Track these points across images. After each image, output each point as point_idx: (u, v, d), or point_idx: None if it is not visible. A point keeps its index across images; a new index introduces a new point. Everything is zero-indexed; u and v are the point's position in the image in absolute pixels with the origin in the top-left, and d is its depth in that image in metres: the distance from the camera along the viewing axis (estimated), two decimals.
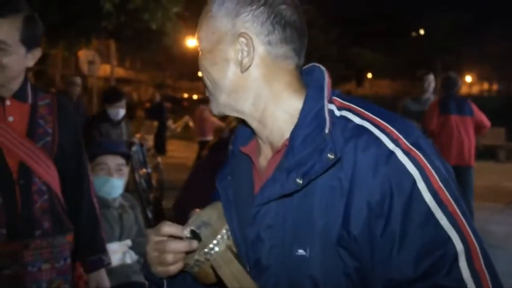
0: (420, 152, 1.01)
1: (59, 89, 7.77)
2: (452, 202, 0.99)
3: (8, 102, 1.98)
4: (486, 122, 6.15)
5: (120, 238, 3.05)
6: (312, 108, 1.08)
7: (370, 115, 1.07)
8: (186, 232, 1.15)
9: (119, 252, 3.02)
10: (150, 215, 4.88)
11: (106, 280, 2.31)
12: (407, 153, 1.00)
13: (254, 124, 1.16)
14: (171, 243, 1.13)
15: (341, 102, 1.11)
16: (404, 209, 0.98)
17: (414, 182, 0.99)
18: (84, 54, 13.68)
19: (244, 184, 1.20)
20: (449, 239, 0.97)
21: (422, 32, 29.66)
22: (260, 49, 1.11)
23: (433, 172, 1.00)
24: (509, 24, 26.29)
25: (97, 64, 13.46)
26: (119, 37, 11.18)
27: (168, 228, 1.15)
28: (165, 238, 1.15)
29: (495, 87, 35.78)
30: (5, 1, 1.92)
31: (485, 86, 36.79)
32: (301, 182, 1.03)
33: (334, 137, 1.03)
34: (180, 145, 18.22)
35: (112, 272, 2.89)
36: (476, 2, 25.47)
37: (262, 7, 1.10)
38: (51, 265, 1.98)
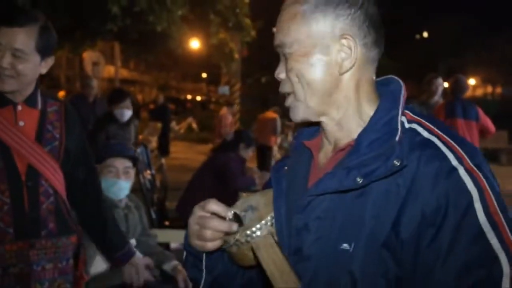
0: (481, 174, 1.05)
1: (77, 91, 7.82)
2: (505, 225, 1.02)
3: (19, 108, 2.05)
4: (491, 127, 6.18)
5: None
6: (385, 115, 1.13)
7: (439, 132, 1.11)
8: (230, 214, 1.20)
9: None
10: (154, 215, 4.94)
11: (139, 266, 2.54)
12: (469, 172, 1.04)
13: (331, 125, 1.19)
14: (213, 221, 1.18)
15: (412, 116, 1.16)
16: (457, 224, 1.01)
17: (471, 200, 1.02)
18: (88, 55, 13.75)
19: (299, 176, 1.24)
20: (496, 259, 0.99)
21: (426, 35, 29.68)
22: (359, 50, 1.14)
23: (492, 195, 1.03)
24: None
25: (102, 66, 13.55)
26: (124, 39, 11.26)
27: (214, 205, 1.19)
28: (208, 215, 1.19)
29: (498, 90, 35.81)
30: (23, 11, 2.04)
31: (489, 89, 36.81)
32: (361, 181, 1.07)
33: (402, 146, 1.08)
34: (183, 146, 18.30)
35: (117, 270, 2.96)
36: (482, 6, 25.50)
37: (359, 10, 1.13)
38: (54, 265, 2.04)
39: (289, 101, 1.19)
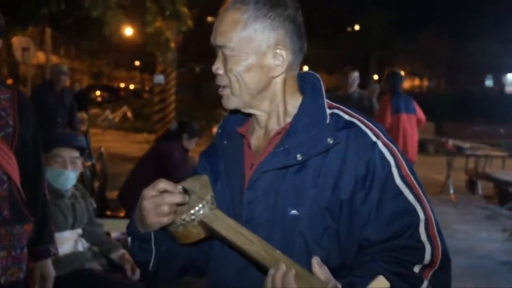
0: (393, 146, 1.34)
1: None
2: (416, 185, 1.31)
3: None
4: (423, 117, 6.63)
5: (72, 227, 3.11)
6: (312, 103, 1.36)
7: (356, 115, 1.37)
8: (179, 188, 1.32)
9: (71, 240, 3.08)
10: (94, 204, 4.89)
11: (51, 270, 2.35)
12: (385, 145, 1.32)
13: (262, 116, 1.41)
14: (168, 196, 1.28)
15: (331, 104, 1.40)
16: (381, 186, 1.28)
17: (390, 167, 1.30)
18: (18, 41, 13.14)
19: (235, 158, 1.43)
20: (414, 210, 1.28)
21: (357, 27, 30.42)
22: (289, 57, 1.35)
23: (403, 162, 1.32)
24: (441, 23, 27.35)
25: (32, 51, 12.99)
26: (57, 24, 10.91)
27: (164, 184, 1.30)
28: (159, 194, 1.29)
29: (425, 83, 37.19)
30: None
31: (416, 81, 38.17)
32: (300, 158, 1.29)
33: (331, 127, 1.31)
34: (117, 135, 17.99)
35: (65, 259, 2.96)
36: (411, 2, 26.36)
37: (292, 23, 1.34)
38: (7, 252, 2.01)
39: (224, 92, 1.37)
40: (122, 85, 39.13)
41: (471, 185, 9.51)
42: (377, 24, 27.47)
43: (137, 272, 3.11)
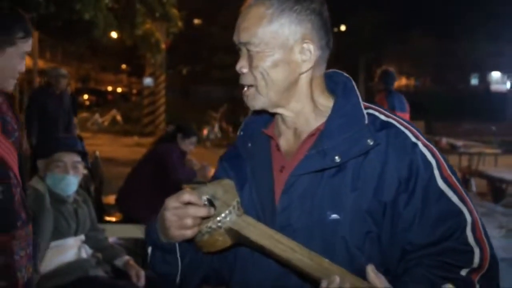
0: (433, 147, 1.29)
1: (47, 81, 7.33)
2: (458, 185, 1.27)
3: None
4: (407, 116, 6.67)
5: (76, 233, 3.04)
6: (346, 103, 1.31)
7: (391, 115, 1.33)
8: (204, 199, 1.27)
9: (74, 247, 3.01)
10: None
11: None
12: (426, 146, 1.28)
13: (290, 115, 1.34)
14: (193, 209, 1.22)
15: (365, 104, 1.34)
16: (425, 188, 1.23)
17: (432, 168, 1.25)
18: None
19: (262, 161, 1.37)
20: (461, 212, 1.24)
21: (345, 28, 30.43)
22: (316, 52, 1.30)
23: (444, 163, 1.28)
24: (429, 23, 27.54)
25: None
26: (46, 28, 10.77)
27: (188, 195, 1.24)
28: (182, 205, 1.24)
29: (412, 82, 37.35)
30: None
31: (403, 81, 38.37)
32: (339, 160, 1.24)
33: (369, 128, 1.27)
34: (107, 139, 17.84)
35: (69, 267, 2.89)
36: (397, 2, 26.54)
37: (318, 16, 1.29)
38: (25, 252, 2.06)
39: (249, 92, 1.31)
40: (110, 88, 38.86)
41: (465, 183, 9.51)
42: (366, 25, 27.54)
43: (142, 278, 3.05)
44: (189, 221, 1.22)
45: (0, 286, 1.96)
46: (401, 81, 38.59)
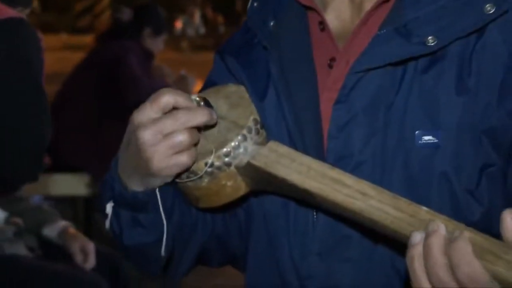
0: None
1: None
2: None
3: None
4: None
5: None
6: None
7: None
8: (194, 99, 0.83)
9: None
10: None
11: None
12: None
13: None
14: (184, 113, 0.80)
15: None
16: None
17: None
18: None
19: (298, 49, 0.94)
20: None
21: None
22: None
23: None
24: None
25: None
26: None
27: (171, 95, 0.81)
28: (166, 115, 0.83)
29: None
30: None
31: None
32: (434, 42, 0.82)
33: None
34: None
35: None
36: None
37: None
38: None
39: None
40: None
41: None
42: None
43: (92, 255, 2.29)
44: (184, 137, 0.79)
45: None
46: None
